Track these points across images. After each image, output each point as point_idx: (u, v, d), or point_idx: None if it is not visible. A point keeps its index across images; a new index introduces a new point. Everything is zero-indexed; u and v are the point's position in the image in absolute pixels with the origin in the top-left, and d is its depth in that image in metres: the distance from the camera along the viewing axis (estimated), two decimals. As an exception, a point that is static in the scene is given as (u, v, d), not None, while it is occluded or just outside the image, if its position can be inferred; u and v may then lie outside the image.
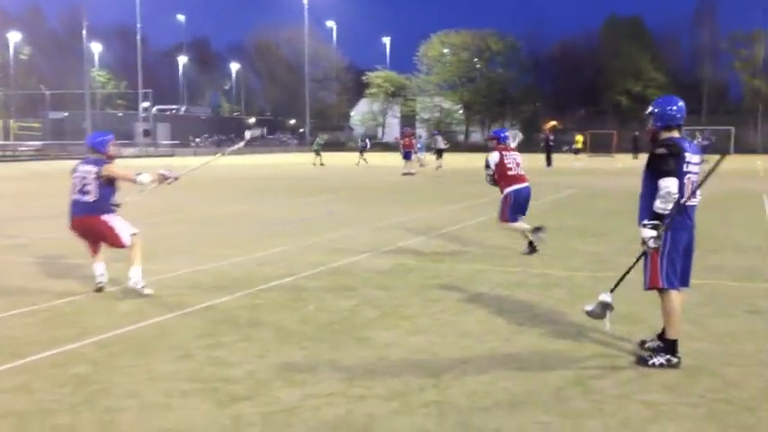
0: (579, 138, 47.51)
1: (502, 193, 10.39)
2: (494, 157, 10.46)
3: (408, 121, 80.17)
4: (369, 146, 41.41)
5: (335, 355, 5.59)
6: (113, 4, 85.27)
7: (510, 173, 10.35)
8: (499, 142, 10.73)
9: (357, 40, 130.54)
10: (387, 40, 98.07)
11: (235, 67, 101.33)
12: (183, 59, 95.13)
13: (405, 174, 30.76)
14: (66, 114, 75.68)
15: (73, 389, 4.84)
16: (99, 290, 7.77)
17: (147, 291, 7.58)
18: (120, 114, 78.92)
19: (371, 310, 7.01)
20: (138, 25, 68.82)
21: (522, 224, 10.37)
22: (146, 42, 72.57)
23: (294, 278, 8.51)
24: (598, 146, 59.95)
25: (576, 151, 46.90)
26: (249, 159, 49.90)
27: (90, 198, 7.68)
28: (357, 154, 41.26)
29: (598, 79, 75.12)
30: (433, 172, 32.16)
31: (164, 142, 70.95)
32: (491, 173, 10.47)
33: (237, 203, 18.12)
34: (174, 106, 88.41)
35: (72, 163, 8.45)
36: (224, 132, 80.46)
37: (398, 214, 15.33)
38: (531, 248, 10.22)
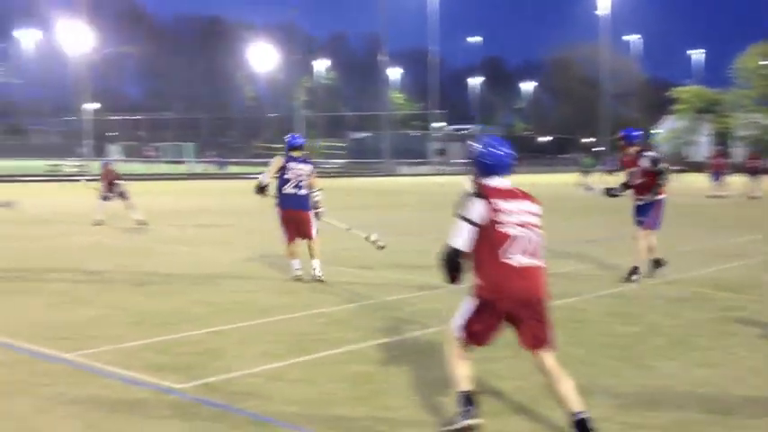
0: None
1: (644, 198, 9.72)
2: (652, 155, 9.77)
3: (721, 139, 74.73)
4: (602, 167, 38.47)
5: (613, 381, 5.51)
6: (411, 28, 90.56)
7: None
8: (632, 143, 9.94)
9: (661, 53, 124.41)
10: (696, 53, 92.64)
11: (528, 85, 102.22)
12: (476, 80, 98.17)
13: (711, 196, 28.83)
14: (366, 134, 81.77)
15: (353, 385, 5.34)
16: (298, 279, 9.37)
17: (322, 276, 9.28)
18: (415, 134, 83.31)
19: (657, 338, 6.77)
20: (432, 48, 72.45)
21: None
22: (441, 64, 76.04)
23: (577, 299, 8.45)
24: None
25: None
26: (534, 178, 49.97)
27: (304, 192, 9.48)
28: (586, 176, 38.40)
29: None
30: (747, 197, 29.55)
31: (455, 161, 73.62)
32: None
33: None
34: (467, 126, 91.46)
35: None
36: (515, 151, 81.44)
37: (697, 240, 14.46)
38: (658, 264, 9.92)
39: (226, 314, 7.62)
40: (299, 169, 9.55)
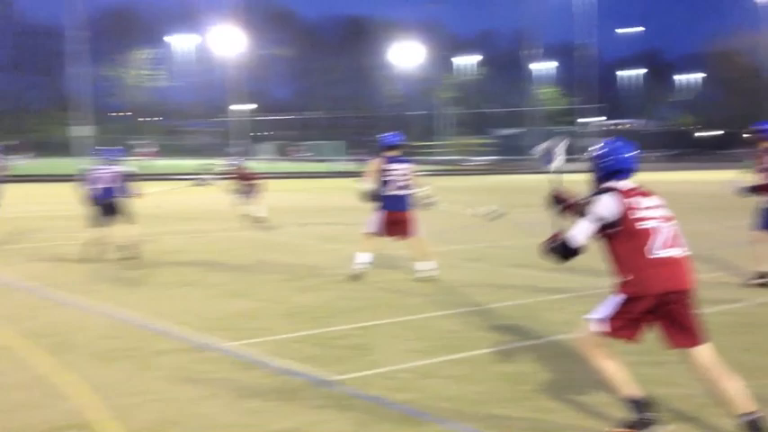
0: None
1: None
2: None
3: None
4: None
5: (786, 389, 5.18)
6: (561, 21, 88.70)
7: None
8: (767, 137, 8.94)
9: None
10: None
11: (687, 77, 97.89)
12: (630, 72, 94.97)
13: None
14: (515, 131, 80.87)
15: (507, 384, 5.31)
16: (355, 277, 9.30)
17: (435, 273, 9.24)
18: (567, 130, 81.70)
19: (839, 347, 6.31)
20: (582, 41, 70.68)
21: None
22: (594, 57, 74.03)
23: (744, 304, 8.01)
24: None
25: None
26: (697, 175, 47.73)
27: (408, 192, 9.33)
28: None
29: None
30: None
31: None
32: None
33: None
34: (625, 120, 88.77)
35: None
36: (674, 146, 78.11)
37: None
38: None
39: (373, 310, 7.77)
40: (402, 169, 9.40)
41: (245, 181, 17.03)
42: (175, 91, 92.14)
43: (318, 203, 23.54)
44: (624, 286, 4.32)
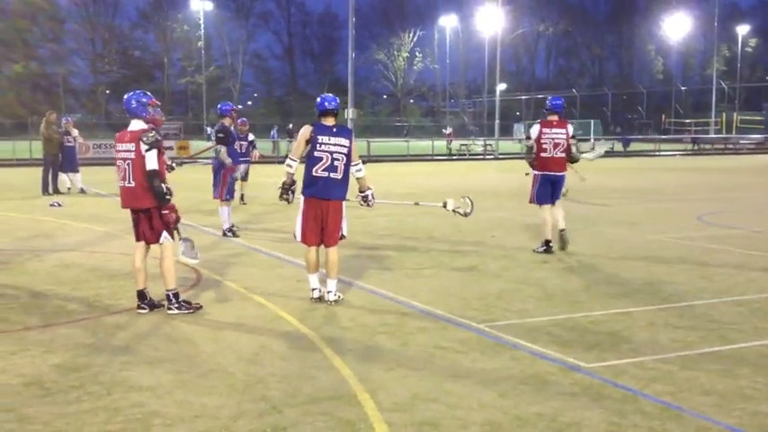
0: None
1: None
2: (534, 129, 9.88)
3: None
4: None
5: None
6: None
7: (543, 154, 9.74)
8: (552, 111, 9.77)
9: None
10: None
11: None
12: None
13: None
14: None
15: None
16: None
17: None
18: None
19: None
20: None
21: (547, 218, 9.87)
22: None
23: None
24: None
25: None
26: None
27: None
28: None
29: None
30: None
31: None
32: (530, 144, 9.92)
33: None
34: None
35: None
36: None
37: None
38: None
39: (635, 295, 7.48)
40: None
41: None
42: (437, 73, 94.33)
43: (582, 183, 22.88)
44: None
